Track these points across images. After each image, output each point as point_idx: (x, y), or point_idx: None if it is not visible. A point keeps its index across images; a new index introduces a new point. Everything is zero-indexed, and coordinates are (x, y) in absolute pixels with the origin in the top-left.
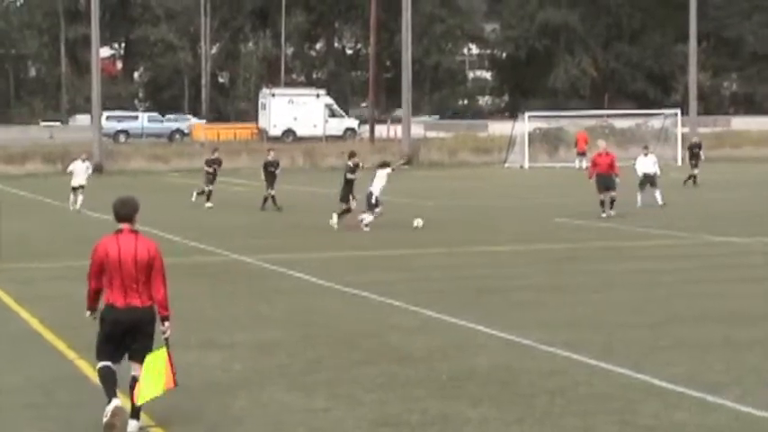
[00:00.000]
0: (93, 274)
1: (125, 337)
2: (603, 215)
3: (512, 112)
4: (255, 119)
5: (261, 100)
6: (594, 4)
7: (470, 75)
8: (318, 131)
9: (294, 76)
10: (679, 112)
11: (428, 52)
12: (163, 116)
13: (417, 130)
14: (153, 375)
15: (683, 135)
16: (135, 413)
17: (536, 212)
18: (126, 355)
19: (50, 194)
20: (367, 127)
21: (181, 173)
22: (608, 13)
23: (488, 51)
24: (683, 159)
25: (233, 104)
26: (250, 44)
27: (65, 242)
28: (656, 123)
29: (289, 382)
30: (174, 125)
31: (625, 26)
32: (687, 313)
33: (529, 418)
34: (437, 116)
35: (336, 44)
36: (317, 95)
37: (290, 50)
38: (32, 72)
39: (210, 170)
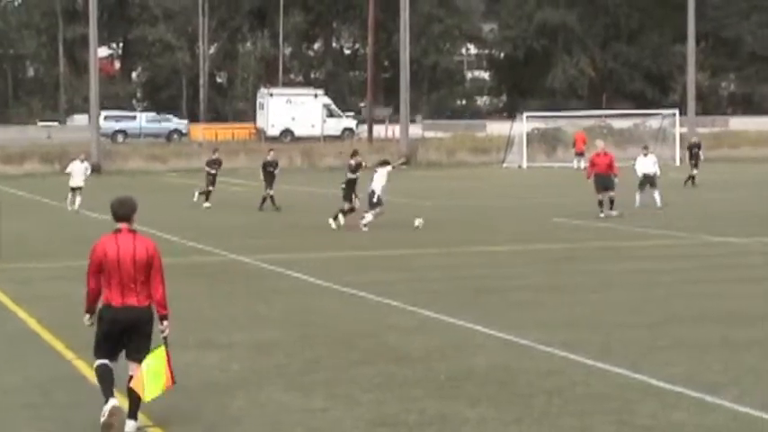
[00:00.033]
0: (91, 274)
1: (122, 336)
2: (602, 215)
3: (510, 113)
4: (253, 119)
5: (259, 100)
6: (592, 4)
7: (468, 75)
8: (316, 131)
9: (292, 76)
10: (677, 112)
11: (426, 52)
12: (159, 116)
13: (415, 130)
14: (154, 374)
15: (681, 135)
16: (133, 413)
17: (534, 212)
18: (124, 354)
19: (48, 194)
20: (365, 127)
21: (179, 173)
22: (606, 13)
23: (486, 51)
24: (681, 159)
25: (231, 104)
26: (248, 44)
27: (63, 242)
28: (654, 123)
29: (287, 382)
30: (173, 125)
31: (623, 26)
32: (685, 313)
33: (527, 418)
34: (429, 120)
35: (334, 44)
36: (315, 95)
37: (288, 50)
38: (30, 72)
39: (213, 171)
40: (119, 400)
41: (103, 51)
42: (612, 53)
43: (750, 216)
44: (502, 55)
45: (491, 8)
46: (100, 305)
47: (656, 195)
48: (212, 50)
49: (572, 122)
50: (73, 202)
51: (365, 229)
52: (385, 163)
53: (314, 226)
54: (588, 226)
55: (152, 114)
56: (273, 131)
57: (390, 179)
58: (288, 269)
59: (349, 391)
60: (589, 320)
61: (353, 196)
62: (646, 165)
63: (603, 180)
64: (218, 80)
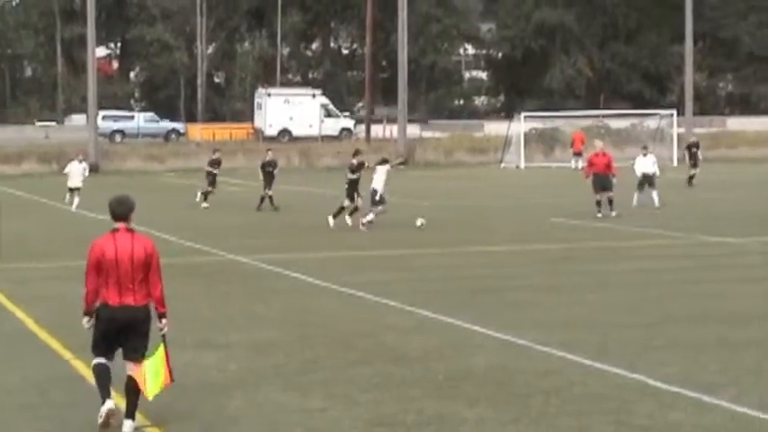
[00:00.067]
0: (90, 274)
1: (119, 335)
2: (599, 215)
3: (507, 113)
4: (251, 119)
5: (257, 100)
6: (590, 3)
7: (466, 75)
8: (314, 131)
9: (290, 76)
10: (675, 112)
11: (424, 52)
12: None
13: (413, 129)
14: (155, 372)
15: (678, 135)
16: (130, 413)
17: (532, 212)
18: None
19: (46, 194)
20: (363, 127)
21: (177, 173)
22: (604, 13)
23: (484, 51)
24: (679, 160)
25: (229, 104)
26: (246, 44)
27: (60, 242)
28: (651, 124)
29: (284, 382)
30: (171, 125)
31: (621, 26)
32: (683, 313)
33: (524, 418)
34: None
35: (332, 44)
36: (313, 95)
37: (285, 50)
38: (28, 72)
39: (216, 171)
40: (116, 401)
41: (101, 51)
42: (610, 53)
43: (748, 216)
44: (500, 55)
45: (489, 8)
46: (97, 304)
47: (655, 195)
48: (210, 50)
49: (569, 122)
50: (71, 203)
51: (363, 228)
52: (384, 161)
53: (312, 226)
54: (586, 226)
55: (150, 114)
56: (271, 131)
57: (390, 178)
58: (286, 269)
59: (347, 391)
60: (586, 320)
61: (356, 195)
62: (645, 165)
63: (602, 180)
64: (216, 80)
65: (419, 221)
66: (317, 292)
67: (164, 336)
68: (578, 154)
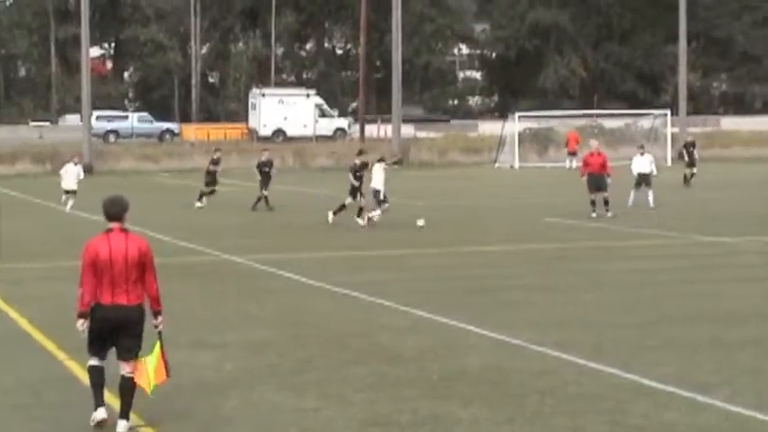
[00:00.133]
0: (86, 274)
1: (112, 334)
2: (593, 215)
3: (501, 112)
4: (246, 119)
5: (251, 100)
6: (584, 4)
7: (460, 75)
8: (308, 131)
9: (284, 76)
10: (669, 112)
11: (418, 52)
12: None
13: (407, 129)
14: (153, 369)
15: (672, 135)
16: (124, 413)
17: (526, 212)
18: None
19: (40, 195)
20: (357, 127)
21: (171, 173)
22: (598, 13)
23: (478, 51)
24: (673, 159)
25: (223, 104)
26: (240, 44)
27: (54, 242)
28: (645, 123)
29: (279, 381)
30: (165, 125)
31: (615, 26)
32: (677, 313)
33: (519, 418)
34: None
35: (326, 44)
36: (307, 95)
37: (280, 50)
38: (22, 72)
39: (218, 170)
40: (110, 401)
41: (95, 51)
42: (604, 53)
43: (743, 216)
44: (494, 55)
45: (483, 8)
46: (92, 304)
47: (650, 195)
48: (204, 50)
49: (564, 122)
50: (65, 204)
51: (361, 222)
52: (380, 160)
53: (306, 226)
54: (580, 226)
55: (144, 114)
56: (266, 131)
57: (389, 177)
58: (280, 269)
59: (341, 391)
60: (581, 320)
61: (360, 195)
62: (642, 164)
63: (596, 180)
64: (211, 80)
65: (420, 222)
66: (312, 291)
67: (159, 333)
68: (573, 154)
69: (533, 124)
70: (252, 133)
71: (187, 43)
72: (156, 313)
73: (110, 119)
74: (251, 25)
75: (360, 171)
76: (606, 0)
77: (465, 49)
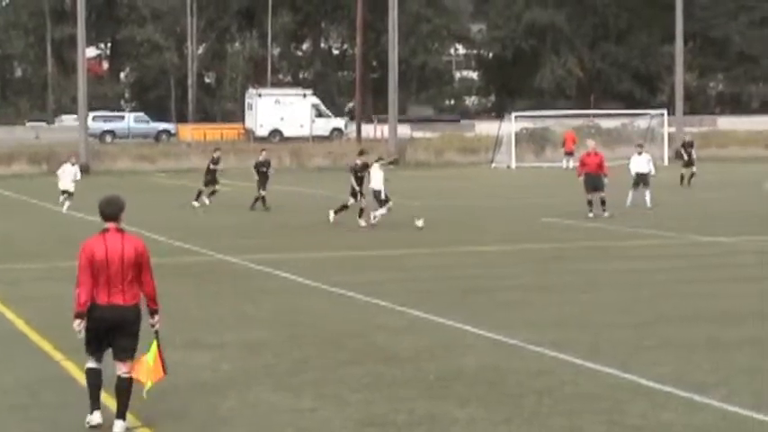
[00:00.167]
0: (82, 274)
1: (108, 334)
2: (590, 215)
3: (498, 112)
4: (242, 119)
5: (247, 100)
6: (581, 4)
7: (457, 75)
8: (305, 131)
9: (281, 76)
10: (665, 112)
11: (415, 52)
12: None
13: (404, 129)
14: (150, 367)
15: (670, 135)
16: (121, 413)
17: (523, 212)
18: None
19: (36, 195)
20: (354, 127)
21: (167, 173)
22: (594, 14)
23: (475, 51)
24: (669, 159)
25: (219, 105)
26: (236, 44)
27: (51, 243)
28: (642, 123)
29: (276, 382)
30: (161, 125)
31: (611, 26)
32: (674, 313)
33: (516, 418)
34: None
35: (323, 44)
36: (304, 95)
37: (276, 51)
38: (18, 72)
39: (219, 169)
40: (107, 404)
41: (91, 52)
42: (601, 53)
43: (739, 216)
44: (490, 55)
45: (479, 8)
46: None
47: (647, 195)
48: (200, 51)
49: (560, 122)
50: (62, 204)
51: (363, 223)
52: (378, 160)
53: (303, 226)
54: (577, 226)
55: (140, 115)
56: (262, 132)
57: (387, 177)
58: (276, 269)
59: (338, 392)
60: (578, 320)
61: (361, 195)
62: (640, 163)
63: (593, 180)
64: (207, 80)
65: (419, 222)
66: (308, 292)
67: (156, 332)
68: (570, 154)
69: (530, 124)
70: (248, 133)
71: (183, 43)
72: (154, 312)
73: (106, 119)
74: (247, 25)
75: (361, 172)
76: (602, 0)
77: (461, 50)
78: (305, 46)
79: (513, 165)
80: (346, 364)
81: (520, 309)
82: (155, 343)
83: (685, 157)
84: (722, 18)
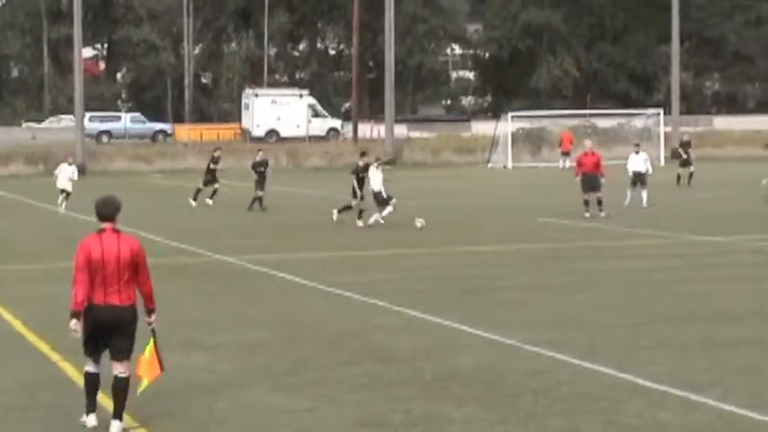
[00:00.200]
0: (80, 273)
1: (105, 334)
2: (587, 215)
3: (495, 113)
4: (239, 119)
5: (244, 100)
6: (577, 4)
7: (453, 75)
8: (302, 132)
9: (277, 76)
10: (661, 111)
11: (411, 52)
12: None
13: (400, 130)
14: (146, 365)
15: (666, 134)
16: (118, 413)
17: (519, 212)
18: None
19: (33, 195)
20: (350, 127)
21: (164, 173)
22: (591, 14)
23: (471, 52)
24: (666, 159)
25: (216, 105)
26: (233, 44)
27: (48, 243)
28: (638, 123)
29: (273, 382)
30: (158, 126)
31: (608, 26)
32: (670, 312)
33: (513, 418)
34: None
35: (319, 45)
36: (300, 96)
37: (272, 51)
38: (15, 72)
39: (219, 168)
40: (103, 405)
41: (88, 52)
42: (597, 53)
43: (735, 215)
44: (487, 55)
45: (476, 8)
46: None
47: (644, 195)
48: (197, 51)
49: (556, 122)
50: (61, 204)
51: (360, 224)
52: (375, 160)
53: (300, 226)
54: (574, 226)
55: (137, 115)
56: (259, 132)
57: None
58: (273, 269)
59: (335, 392)
60: (575, 320)
61: (362, 196)
62: (637, 162)
63: (590, 180)
64: (203, 81)
65: (419, 222)
66: (305, 292)
67: (153, 330)
68: (566, 154)
69: (526, 124)
70: (245, 134)
71: (180, 44)
72: (150, 311)
73: (102, 119)
74: (244, 26)
75: (362, 173)
76: (599, 0)
77: (458, 50)
78: (301, 46)
79: (510, 165)
80: (343, 364)
81: (517, 309)
82: (151, 341)
83: (684, 156)
84: (718, 18)
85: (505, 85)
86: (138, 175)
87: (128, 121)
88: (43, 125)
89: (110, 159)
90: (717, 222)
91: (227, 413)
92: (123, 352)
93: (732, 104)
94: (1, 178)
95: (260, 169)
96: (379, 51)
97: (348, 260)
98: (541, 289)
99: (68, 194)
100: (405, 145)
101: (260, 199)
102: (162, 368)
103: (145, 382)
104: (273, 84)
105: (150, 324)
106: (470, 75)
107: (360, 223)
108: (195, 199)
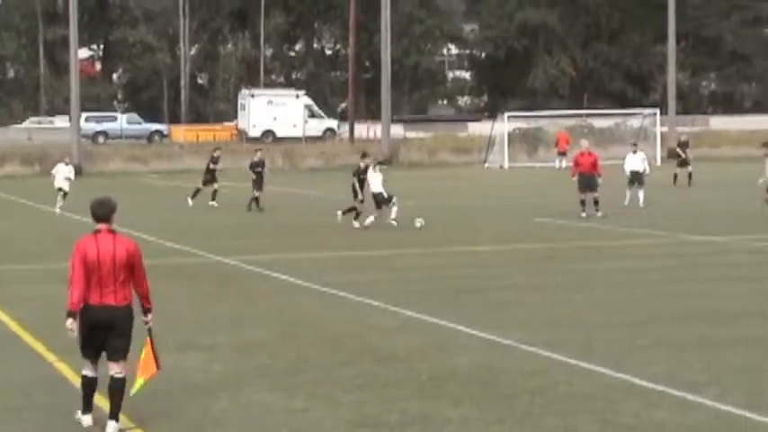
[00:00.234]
0: (77, 272)
1: (101, 335)
2: (583, 215)
3: (491, 112)
4: (235, 120)
5: (240, 101)
6: (573, 3)
7: (449, 75)
8: (298, 132)
9: (273, 76)
10: (658, 111)
11: (407, 53)
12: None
13: (397, 130)
14: (142, 363)
15: (662, 134)
16: (114, 414)
17: (516, 212)
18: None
19: (29, 196)
20: (346, 127)
21: (160, 174)
22: (587, 13)
23: (467, 51)
24: (662, 159)
25: (212, 105)
26: (229, 45)
27: (45, 244)
28: (634, 123)
29: (269, 382)
30: (154, 126)
31: (604, 26)
32: (667, 312)
33: (509, 418)
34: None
35: (315, 45)
36: (297, 96)
37: (269, 51)
38: (11, 73)
39: (218, 168)
40: (99, 406)
41: (84, 53)
42: (593, 53)
43: (732, 215)
44: (483, 55)
45: (472, 8)
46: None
47: (641, 194)
48: (193, 52)
49: (553, 122)
50: (57, 203)
51: (356, 224)
52: (372, 160)
53: (296, 227)
54: (570, 226)
55: (133, 116)
56: (255, 132)
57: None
58: (269, 270)
59: (331, 392)
60: (571, 320)
61: (362, 199)
62: (634, 162)
63: (587, 180)
64: (200, 81)
65: (418, 222)
66: (301, 292)
67: (149, 329)
68: (563, 153)
69: (523, 124)
70: (241, 134)
71: (176, 44)
72: (147, 311)
73: (99, 120)
74: (240, 26)
75: (363, 174)
76: (595, 0)
77: (454, 50)
78: (297, 46)
79: (506, 165)
80: (340, 364)
81: (513, 309)
82: (148, 339)
83: (683, 156)
84: (714, 17)
85: (502, 84)
86: (135, 176)
87: (124, 121)
88: (33, 124)
89: (106, 160)
90: (713, 222)
91: (223, 413)
92: (119, 352)
93: (729, 104)
94: None
95: (258, 169)
96: (375, 51)
97: (344, 260)
98: (538, 289)
99: (66, 194)
100: (401, 145)
101: (257, 199)
102: (158, 366)
103: (139, 382)
104: (270, 84)
105: (147, 323)
106: (467, 75)
107: (356, 224)
108: (193, 198)
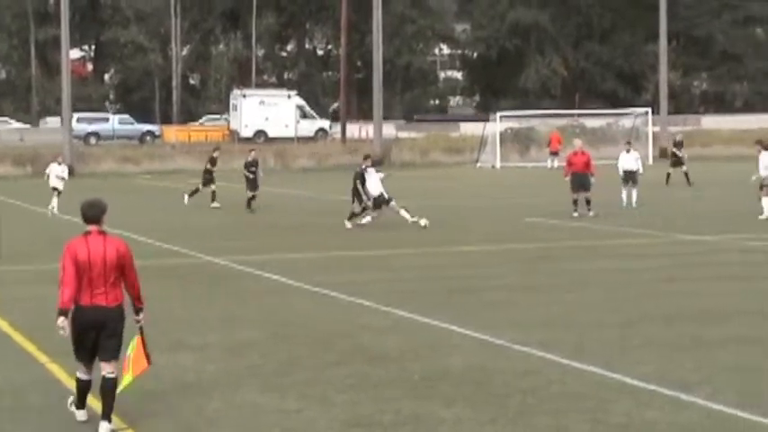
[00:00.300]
0: (68, 272)
1: (92, 336)
2: (575, 214)
3: (483, 112)
4: (227, 120)
5: (232, 101)
6: (565, 3)
7: (441, 75)
8: (290, 132)
9: (265, 77)
10: (650, 111)
11: (399, 53)
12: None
13: (389, 130)
14: (132, 360)
15: (654, 134)
16: (106, 415)
17: (508, 212)
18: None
19: (20, 197)
20: (338, 128)
21: (152, 175)
22: (578, 13)
23: (459, 51)
24: (654, 158)
25: (204, 106)
26: (221, 46)
27: (36, 245)
28: (626, 122)
29: (261, 383)
30: (146, 127)
31: (595, 26)
32: (659, 312)
33: (502, 417)
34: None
35: (307, 45)
36: (289, 96)
37: (260, 52)
38: (2, 74)
39: (215, 169)
40: (92, 406)
41: (75, 53)
42: (585, 53)
43: (723, 214)
44: (475, 55)
45: (464, 8)
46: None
47: (634, 194)
48: (185, 52)
49: (545, 122)
50: (50, 204)
51: (348, 225)
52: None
53: (288, 227)
54: (562, 225)
55: (124, 116)
56: (247, 132)
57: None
58: (260, 270)
59: (323, 392)
60: (564, 320)
61: (360, 200)
62: (627, 161)
63: (580, 179)
64: (191, 82)
65: (423, 222)
66: (292, 292)
67: (141, 328)
68: (555, 153)
69: (515, 124)
70: (233, 134)
71: (168, 45)
72: (138, 310)
73: (90, 121)
74: (232, 27)
75: (360, 177)
76: (586, 0)
77: (446, 49)
78: (289, 47)
79: (498, 165)
80: (332, 364)
81: (505, 309)
82: (137, 336)
83: (679, 154)
84: (706, 17)
85: (494, 84)
86: (126, 177)
87: (116, 122)
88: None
89: (98, 161)
90: (705, 221)
91: (215, 414)
92: (111, 352)
93: (720, 104)
94: None
95: (252, 169)
96: (367, 51)
97: (336, 260)
98: (530, 289)
99: (60, 193)
100: (393, 145)
101: (251, 199)
102: (149, 362)
103: (126, 379)
104: (261, 84)
105: (138, 322)
106: (458, 75)
107: (347, 224)
108: (191, 196)
